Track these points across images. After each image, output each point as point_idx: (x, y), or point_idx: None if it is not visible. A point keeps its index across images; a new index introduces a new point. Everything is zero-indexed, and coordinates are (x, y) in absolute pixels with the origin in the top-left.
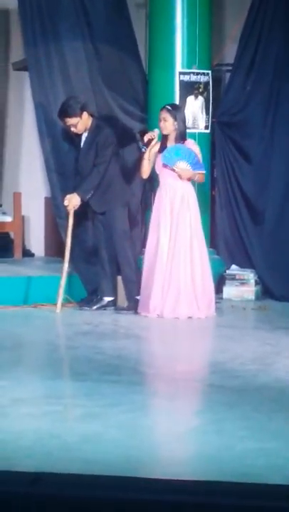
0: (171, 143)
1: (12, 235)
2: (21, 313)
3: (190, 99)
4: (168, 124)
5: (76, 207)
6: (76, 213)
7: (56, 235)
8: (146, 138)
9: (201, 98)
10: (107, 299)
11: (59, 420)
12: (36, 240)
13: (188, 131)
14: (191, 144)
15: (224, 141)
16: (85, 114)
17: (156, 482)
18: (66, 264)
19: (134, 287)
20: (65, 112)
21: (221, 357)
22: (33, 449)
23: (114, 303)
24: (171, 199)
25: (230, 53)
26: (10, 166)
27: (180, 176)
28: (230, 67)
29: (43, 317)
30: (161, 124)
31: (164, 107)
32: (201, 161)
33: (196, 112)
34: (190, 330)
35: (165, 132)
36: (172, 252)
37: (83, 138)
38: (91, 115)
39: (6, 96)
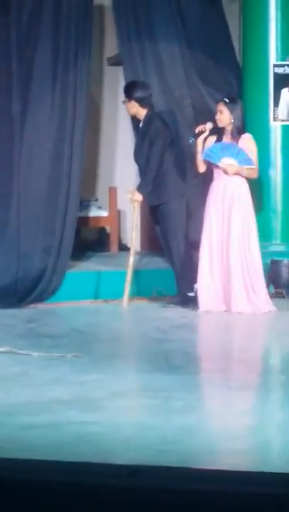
0: (227, 136)
1: (108, 229)
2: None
3: (284, 91)
4: (224, 117)
5: (139, 201)
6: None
7: (152, 229)
8: (197, 129)
9: None
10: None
11: (157, 413)
12: (138, 235)
13: (283, 123)
14: (246, 140)
15: None
16: (133, 103)
17: (255, 475)
18: (131, 258)
19: (184, 283)
20: (125, 87)
21: None
22: (131, 442)
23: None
24: (222, 194)
25: None
26: (105, 160)
27: (225, 172)
28: None
29: (136, 310)
30: (217, 116)
31: (221, 100)
32: (251, 156)
33: None
34: (284, 322)
35: (221, 125)
36: (227, 249)
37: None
38: (149, 107)
39: (100, 91)
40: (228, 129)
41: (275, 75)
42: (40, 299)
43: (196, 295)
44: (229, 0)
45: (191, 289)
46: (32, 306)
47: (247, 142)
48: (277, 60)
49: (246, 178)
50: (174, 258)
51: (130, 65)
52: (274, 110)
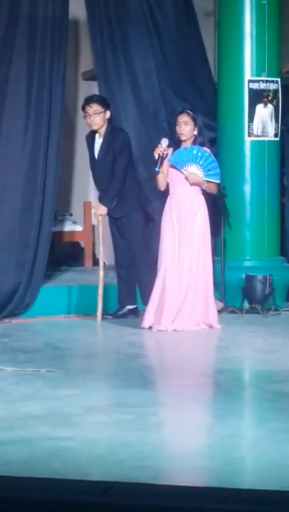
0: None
1: (82, 244)
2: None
3: (259, 107)
4: (188, 129)
5: (103, 216)
6: None
7: None
8: (156, 154)
9: (270, 106)
10: (128, 307)
11: (131, 429)
12: (106, 249)
13: (258, 139)
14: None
15: None
16: (108, 113)
17: (229, 492)
18: (101, 272)
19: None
20: (97, 98)
21: None
22: (105, 458)
23: (134, 311)
24: (179, 209)
25: None
26: (79, 175)
27: (187, 179)
28: None
29: (110, 325)
30: (181, 128)
31: (184, 111)
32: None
33: (265, 119)
34: (258, 337)
35: (184, 138)
36: (176, 264)
37: (97, 145)
38: (109, 120)
39: (75, 106)
40: (189, 142)
41: (250, 90)
42: (14, 313)
43: None
44: (204, 15)
45: None
46: (6, 320)
47: None
48: (252, 76)
49: (205, 192)
50: (140, 270)
51: (105, 80)
52: (249, 126)
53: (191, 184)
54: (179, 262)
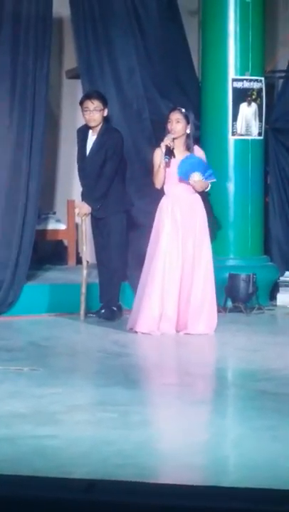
0: (179, 147)
1: (66, 242)
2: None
3: (243, 106)
4: (180, 127)
5: (87, 215)
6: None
7: None
8: (163, 146)
9: (254, 105)
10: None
11: (114, 427)
12: (90, 248)
13: (242, 138)
14: (200, 151)
15: (278, 147)
16: (106, 111)
17: (213, 490)
18: (85, 271)
19: (114, 297)
20: (98, 94)
21: (275, 364)
22: (88, 456)
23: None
24: (177, 208)
25: (283, 59)
26: (63, 173)
27: (195, 188)
28: (283, 74)
29: (94, 324)
30: (173, 125)
31: (176, 108)
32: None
33: (249, 118)
34: (242, 336)
35: (176, 135)
36: (178, 265)
37: (89, 141)
38: (105, 119)
39: (59, 104)
40: (181, 140)
41: (234, 89)
42: None
43: (119, 310)
44: (188, 14)
45: (115, 304)
46: None
47: (203, 154)
48: (236, 75)
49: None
50: (111, 271)
51: (89, 78)
52: (232, 125)
53: (199, 191)
54: (190, 265)
